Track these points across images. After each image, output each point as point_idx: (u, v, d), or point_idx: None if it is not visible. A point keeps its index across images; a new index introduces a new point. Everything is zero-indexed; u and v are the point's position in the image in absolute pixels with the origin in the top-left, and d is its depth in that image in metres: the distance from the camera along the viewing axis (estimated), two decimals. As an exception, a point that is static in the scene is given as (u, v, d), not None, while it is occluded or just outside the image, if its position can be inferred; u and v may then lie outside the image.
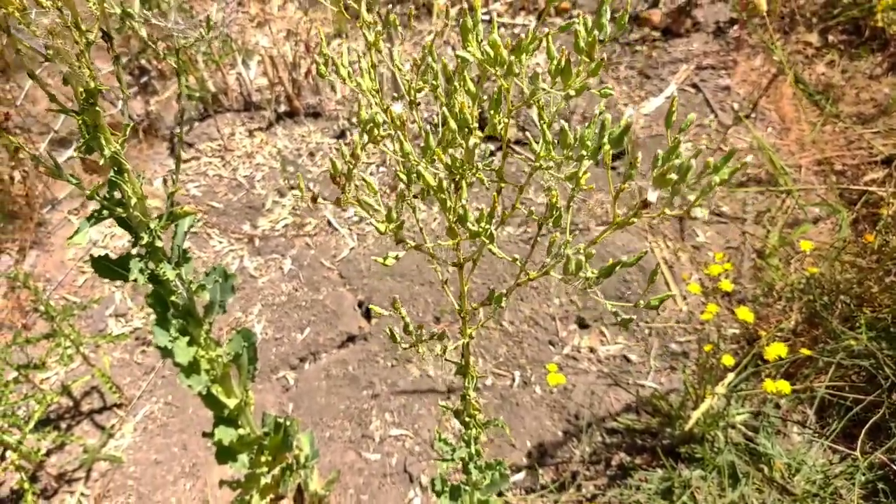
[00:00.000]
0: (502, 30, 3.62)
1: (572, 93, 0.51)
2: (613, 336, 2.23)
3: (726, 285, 1.71)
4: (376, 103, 0.61)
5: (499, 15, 3.69)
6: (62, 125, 3.15)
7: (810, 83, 2.98)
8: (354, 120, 3.18)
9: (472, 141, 0.55)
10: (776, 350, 1.51)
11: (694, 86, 3.09)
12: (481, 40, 0.54)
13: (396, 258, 0.63)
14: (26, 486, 1.81)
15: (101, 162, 0.80)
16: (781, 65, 2.97)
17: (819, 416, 1.85)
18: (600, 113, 0.54)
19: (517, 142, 2.90)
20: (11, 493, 1.99)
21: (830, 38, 3.18)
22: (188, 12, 3.60)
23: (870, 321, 1.86)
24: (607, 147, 0.50)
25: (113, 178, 0.81)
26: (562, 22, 3.54)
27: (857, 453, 1.64)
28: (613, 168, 2.80)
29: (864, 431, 1.69)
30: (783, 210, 2.48)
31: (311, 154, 3.04)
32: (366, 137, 0.60)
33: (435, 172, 0.58)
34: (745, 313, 1.61)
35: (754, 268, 2.32)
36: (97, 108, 0.75)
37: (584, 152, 0.51)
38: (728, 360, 1.64)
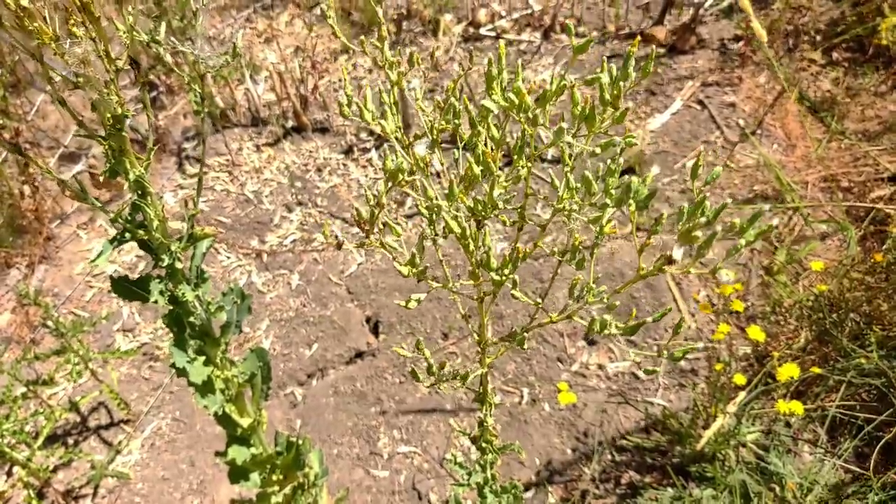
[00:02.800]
0: (510, 48, 3.64)
1: (598, 150, 0.52)
2: (622, 353, 2.22)
3: (738, 305, 1.71)
4: (398, 139, 0.62)
5: (504, 31, 3.72)
6: (71, 140, 3.17)
7: (815, 100, 3.00)
8: (363, 135, 3.20)
9: (496, 191, 0.55)
10: (788, 371, 1.51)
11: (699, 102, 3.11)
12: (505, 87, 0.54)
13: (419, 301, 0.63)
14: (34, 502, 1.80)
15: (126, 186, 0.81)
16: (786, 82, 2.99)
17: (830, 434, 1.85)
18: (615, 159, 0.54)
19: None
20: (19, 509, 1.98)
21: (835, 55, 3.20)
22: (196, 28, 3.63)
23: (880, 339, 1.85)
24: (633, 207, 0.51)
25: (137, 202, 0.82)
26: (567, 39, 3.57)
27: (870, 473, 1.64)
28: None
29: (876, 451, 1.69)
30: (790, 227, 2.49)
31: (319, 169, 3.05)
32: (389, 184, 0.60)
33: (456, 215, 0.58)
34: (756, 332, 1.61)
35: (762, 284, 2.32)
36: (123, 134, 0.75)
37: (608, 201, 0.52)
38: (739, 380, 1.63)
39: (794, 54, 3.26)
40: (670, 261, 0.48)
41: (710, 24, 3.52)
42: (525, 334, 0.67)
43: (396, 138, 0.62)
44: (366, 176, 2.99)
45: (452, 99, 0.61)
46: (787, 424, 1.85)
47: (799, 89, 3.02)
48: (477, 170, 0.56)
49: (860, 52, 3.17)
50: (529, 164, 0.57)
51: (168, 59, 0.78)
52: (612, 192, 0.52)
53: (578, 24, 3.66)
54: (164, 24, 0.79)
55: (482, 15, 3.75)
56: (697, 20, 3.36)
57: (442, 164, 0.63)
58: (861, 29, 3.13)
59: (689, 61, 3.33)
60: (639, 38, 0.57)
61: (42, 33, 0.59)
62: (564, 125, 0.52)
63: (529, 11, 3.75)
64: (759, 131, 2.89)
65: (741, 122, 2.98)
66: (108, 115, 0.73)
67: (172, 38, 0.73)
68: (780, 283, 2.22)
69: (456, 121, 0.61)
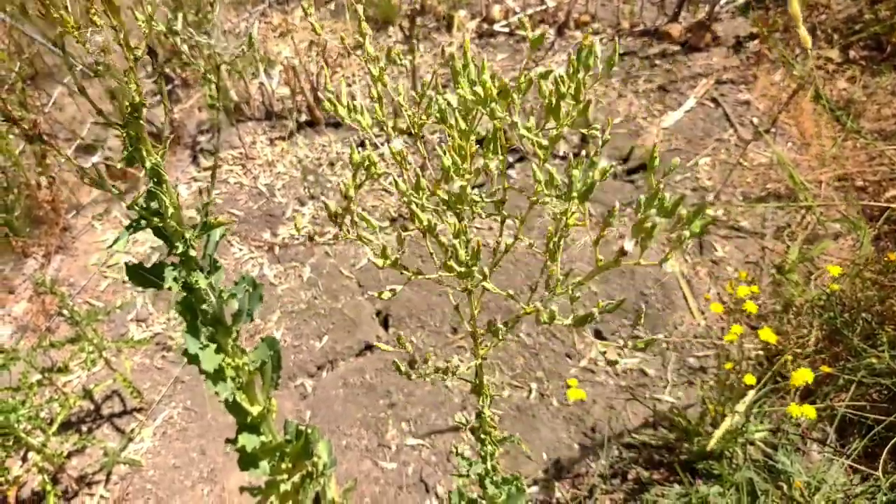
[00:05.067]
0: (524, 44, 3.64)
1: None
2: (631, 349, 2.22)
3: (751, 307, 1.71)
4: (375, 136, 0.64)
5: (518, 28, 3.72)
6: (88, 132, 3.21)
7: (831, 99, 2.97)
8: (376, 130, 3.21)
9: (456, 184, 0.57)
10: (803, 376, 1.50)
11: (713, 100, 3.09)
12: (474, 81, 0.56)
13: (393, 293, 0.65)
14: (48, 487, 1.83)
15: (142, 173, 0.82)
16: (802, 80, 2.97)
17: (840, 434, 1.84)
18: (587, 155, 0.55)
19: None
20: (33, 494, 2.02)
21: (852, 53, 3.17)
22: (212, 19, 3.65)
23: (892, 339, 1.84)
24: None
25: (152, 189, 0.83)
26: (581, 35, 3.56)
27: (879, 473, 1.63)
28: (632, 181, 2.81)
29: (885, 451, 1.68)
30: (803, 225, 2.47)
31: (332, 164, 3.07)
32: (359, 177, 0.62)
33: (423, 206, 0.60)
34: (768, 335, 1.60)
35: (773, 283, 2.31)
36: (141, 121, 0.77)
37: (574, 193, 0.53)
38: (750, 380, 1.63)
39: (811, 52, 3.23)
40: (623, 252, 0.50)
41: (726, 22, 3.50)
42: (502, 327, 0.69)
43: (373, 136, 0.64)
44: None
45: (430, 91, 0.63)
46: (796, 424, 1.84)
47: (815, 87, 2.99)
48: (448, 162, 0.57)
49: (878, 51, 3.13)
50: (502, 157, 0.58)
51: (185, 49, 0.79)
52: (578, 184, 0.54)
53: (592, 20, 3.65)
54: (180, 16, 0.80)
55: (496, 11, 3.75)
56: (713, 17, 3.34)
57: (424, 157, 0.65)
58: (879, 27, 3.10)
59: (703, 59, 3.31)
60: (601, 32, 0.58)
61: (65, 22, 0.60)
62: (517, 119, 0.53)
63: (544, 7, 3.75)
64: (773, 129, 2.87)
65: (755, 120, 2.96)
66: (127, 103, 0.74)
67: (190, 30, 0.74)
68: (792, 281, 2.21)
69: (436, 114, 0.63)
